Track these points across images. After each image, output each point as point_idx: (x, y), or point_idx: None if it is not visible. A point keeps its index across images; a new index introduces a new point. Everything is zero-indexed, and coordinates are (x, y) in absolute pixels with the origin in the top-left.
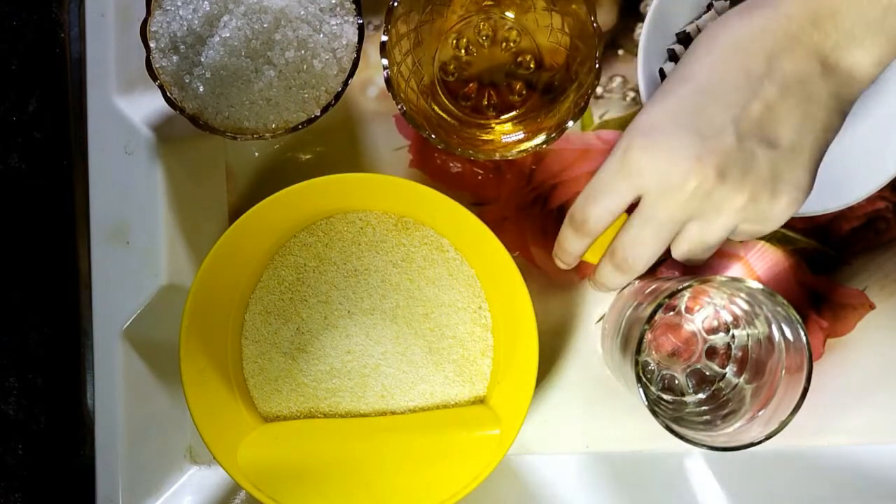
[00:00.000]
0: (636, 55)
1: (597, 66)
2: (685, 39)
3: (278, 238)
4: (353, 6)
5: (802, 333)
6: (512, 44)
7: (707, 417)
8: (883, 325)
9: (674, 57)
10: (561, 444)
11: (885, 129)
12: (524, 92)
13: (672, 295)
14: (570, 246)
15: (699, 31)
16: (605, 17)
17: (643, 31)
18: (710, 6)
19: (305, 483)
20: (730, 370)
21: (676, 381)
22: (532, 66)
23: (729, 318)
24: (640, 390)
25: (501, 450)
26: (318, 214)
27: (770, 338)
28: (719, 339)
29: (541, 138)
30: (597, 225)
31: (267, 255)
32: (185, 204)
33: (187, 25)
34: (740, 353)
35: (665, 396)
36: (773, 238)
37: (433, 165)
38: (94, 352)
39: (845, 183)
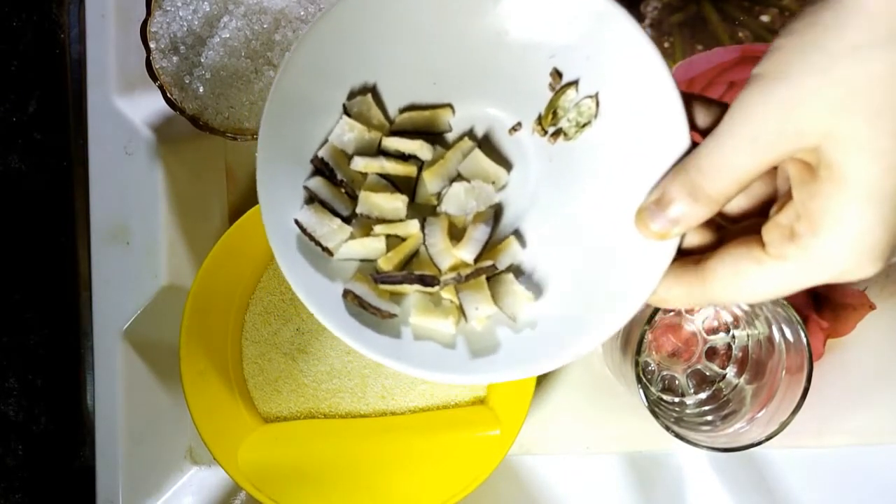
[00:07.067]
0: None
1: None
2: (325, 170)
3: None
4: None
5: (803, 334)
6: None
7: (707, 418)
8: (883, 326)
9: (315, 198)
10: (561, 444)
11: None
12: None
13: None
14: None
15: (345, 155)
16: None
17: (258, 160)
18: (345, 111)
19: (306, 484)
20: (730, 371)
21: (677, 382)
22: None
23: (729, 319)
24: (641, 391)
25: (502, 450)
26: None
27: (770, 338)
28: (719, 340)
29: None
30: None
31: (267, 255)
32: (185, 204)
33: (187, 26)
34: (740, 354)
35: (665, 397)
36: None
37: None
38: (94, 352)
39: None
